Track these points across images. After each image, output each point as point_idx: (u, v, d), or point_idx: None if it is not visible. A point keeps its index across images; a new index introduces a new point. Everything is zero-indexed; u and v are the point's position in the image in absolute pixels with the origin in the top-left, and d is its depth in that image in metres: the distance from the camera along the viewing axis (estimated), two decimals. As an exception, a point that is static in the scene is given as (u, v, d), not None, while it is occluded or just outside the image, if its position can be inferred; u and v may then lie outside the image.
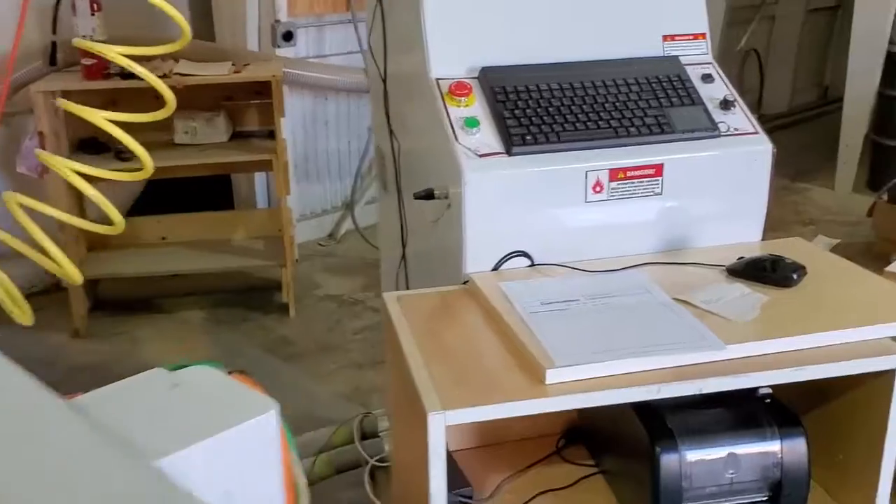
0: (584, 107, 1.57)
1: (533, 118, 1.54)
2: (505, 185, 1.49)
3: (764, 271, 1.44)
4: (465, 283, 1.51)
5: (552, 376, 1.18)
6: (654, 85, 1.61)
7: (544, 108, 1.56)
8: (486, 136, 1.52)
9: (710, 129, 1.57)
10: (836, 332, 1.28)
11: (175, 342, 3.27)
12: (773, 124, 5.81)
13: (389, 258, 2.05)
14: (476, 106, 1.57)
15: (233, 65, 3.38)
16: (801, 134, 5.76)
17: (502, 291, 1.42)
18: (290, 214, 3.64)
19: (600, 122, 1.55)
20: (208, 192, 3.86)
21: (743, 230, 1.62)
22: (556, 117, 1.55)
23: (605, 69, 1.62)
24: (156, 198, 3.87)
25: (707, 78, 1.66)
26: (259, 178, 3.89)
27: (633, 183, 1.53)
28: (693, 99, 1.60)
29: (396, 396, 1.41)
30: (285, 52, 3.76)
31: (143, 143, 3.45)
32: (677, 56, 1.68)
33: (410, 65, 1.71)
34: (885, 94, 4.38)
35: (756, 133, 1.60)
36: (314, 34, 3.93)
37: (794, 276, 1.42)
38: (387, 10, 1.80)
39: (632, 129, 1.55)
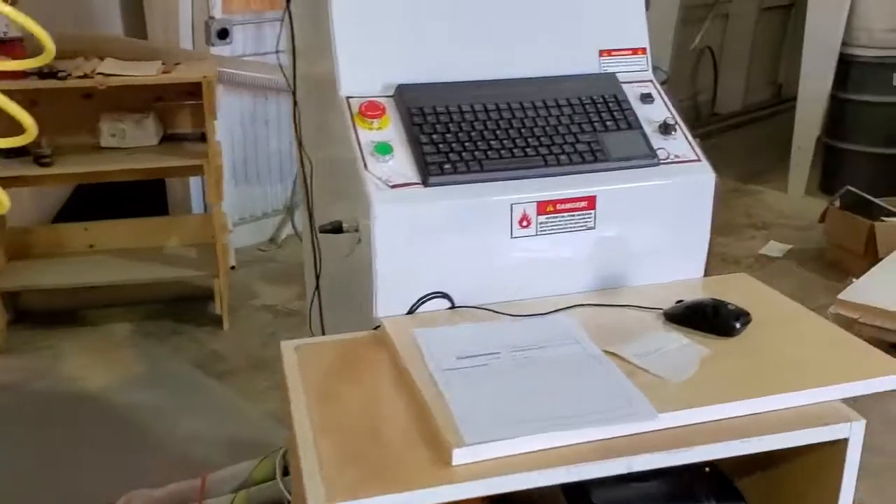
0: (511, 131, 1.40)
1: (453, 144, 1.37)
2: (420, 220, 1.32)
3: (704, 318, 1.29)
4: (376, 327, 1.34)
5: (460, 456, 1.01)
6: (587, 107, 1.44)
7: (466, 133, 1.38)
8: (401, 164, 1.35)
9: (648, 157, 1.41)
10: (783, 395, 1.12)
11: (99, 357, 3.06)
12: (727, 123, 5.72)
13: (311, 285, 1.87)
14: (390, 129, 1.39)
15: (163, 64, 3.17)
16: (755, 133, 5.66)
17: (415, 341, 1.25)
18: (226, 220, 3.45)
19: (528, 150, 1.38)
20: (141, 196, 3.65)
21: (684, 266, 1.46)
22: (479, 143, 1.37)
23: (534, 88, 1.45)
24: (84, 203, 3.65)
25: (646, 98, 1.50)
26: (195, 181, 3.68)
27: (563, 217, 1.37)
28: (630, 123, 1.44)
29: (294, 471, 1.23)
30: (221, 50, 3.55)
31: (66, 146, 3.25)
32: (615, 73, 1.51)
33: (320, 77, 1.53)
34: (837, 97, 4.26)
35: (698, 160, 1.44)
36: (252, 31, 3.72)
37: (737, 325, 1.27)
38: (296, 14, 1.62)
39: (562, 157, 1.38)
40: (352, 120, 1.39)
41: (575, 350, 1.22)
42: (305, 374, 1.22)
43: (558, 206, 1.36)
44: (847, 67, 4.20)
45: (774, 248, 3.88)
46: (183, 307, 3.41)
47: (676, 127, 1.46)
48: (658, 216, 1.42)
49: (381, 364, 1.24)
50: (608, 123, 1.43)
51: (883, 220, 3.45)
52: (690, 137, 1.46)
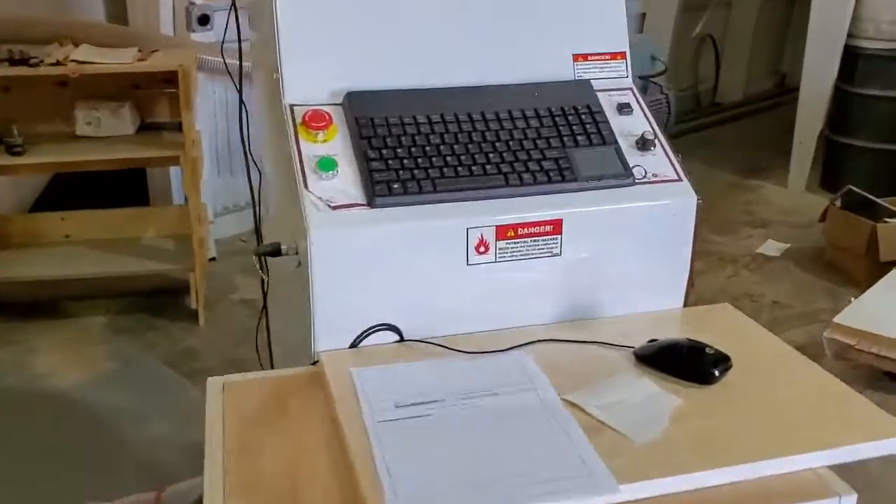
0: (470, 146, 1.24)
1: (405, 160, 1.21)
2: (364, 245, 1.16)
3: (679, 362, 1.13)
4: (314, 363, 1.19)
5: (382, 536, 0.86)
6: (557, 118, 1.28)
7: (420, 148, 1.22)
8: (345, 182, 1.19)
9: (622, 176, 1.25)
10: (763, 462, 0.97)
11: (72, 353, 2.92)
12: (728, 114, 5.53)
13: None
14: (337, 141, 1.23)
15: (140, 51, 3.00)
16: (757, 125, 5.47)
17: (353, 383, 1.10)
18: (205, 212, 3.30)
19: (488, 167, 1.22)
20: (122, 185, 3.50)
21: (662, 297, 1.31)
22: (434, 159, 1.21)
23: (498, 97, 1.29)
24: (63, 191, 3.50)
25: (624, 108, 1.33)
26: (175, 171, 3.52)
27: (525, 242, 1.21)
28: (604, 137, 1.28)
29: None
30: (203, 36, 3.38)
31: (41, 134, 3.10)
32: (589, 80, 1.35)
33: (265, 79, 1.37)
34: (841, 90, 4.08)
35: (678, 180, 1.28)
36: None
37: (716, 373, 1.11)
38: (242, 4, 1.46)
39: (526, 176, 1.22)
40: (294, 131, 1.23)
41: (530, 399, 1.07)
42: (228, 418, 1.08)
43: (520, 231, 1.21)
44: (852, 60, 4.01)
45: (772, 247, 3.71)
46: (160, 300, 3.26)
47: (656, 142, 1.29)
48: (632, 242, 1.26)
49: (314, 409, 1.10)
50: (579, 138, 1.27)
51: (886, 222, 3.29)
52: (672, 153, 1.30)
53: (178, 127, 3.07)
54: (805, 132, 4.22)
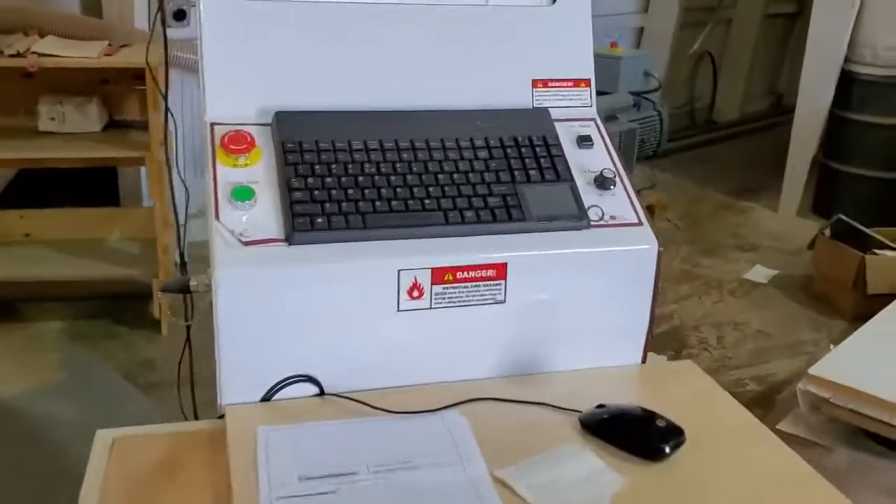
0: (409, 177, 1.10)
1: (333, 191, 1.07)
2: (281, 286, 1.03)
3: (627, 433, 1.00)
4: (221, 416, 1.05)
5: None
6: (508, 150, 1.15)
7: (352, 177, 1.09)
8: (263, 214, 1.05)
9: (576, 217, 1.11)
10: (708, 565, 0.83)
11: (24, 359, 2.78)
12: (723, 133, 5.39)
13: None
14: (260, 167, 1.10)
15: (109, 45, 2.86)
16: (752, 144, 5.34)
17: (256, 446, 0.96)
18: (171, 216, 3.15)
19: (426, 202, 1.08)
20: (91, 183, 3.36)
21: (618, 351, 1.17)
22: (367, 191, 1.08)
23: (445, 124, 1.15)
24: (28, 188, 3.35)
25: (584, 141, 1.20)
26: (146, 171, 3.38)
27: (465, 287, 1.07)
28: (558, 172, 1.14)
29: None
30: (178, 32, 3.24)
31: (1, 128, 2.96)
32: (547, 109, 1.21)
33: (195, 93, 1.24)
34: (836, 115, 3.94)
35: (639, 224, 1.14)
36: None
37: (666, 449, 0.98)
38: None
39: (468, 214, 1.08)
40: (212, 153, 1.09)
41: (454, 474, 0.93)
42: (108, 484, 0.94)
43: (459, 275, 1.07)
44: (848, 85, 3.87)
45: (760, 273, 3.58)
46: (122, 306, 3.12)
47: (616, 180, 1.16)
48: (586, 290, 1.12)
49: (211, 474, 0.96)
50: (531, 172, 1.13)
51: (875, 254, 3.15)
52: (633, 194, 1.16)
53: (148, 125, 2.93)
54: (798, 156, 4.08)
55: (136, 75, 2.91)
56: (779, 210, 4.20)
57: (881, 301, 2.91)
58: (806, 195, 4.17)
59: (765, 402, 2.59)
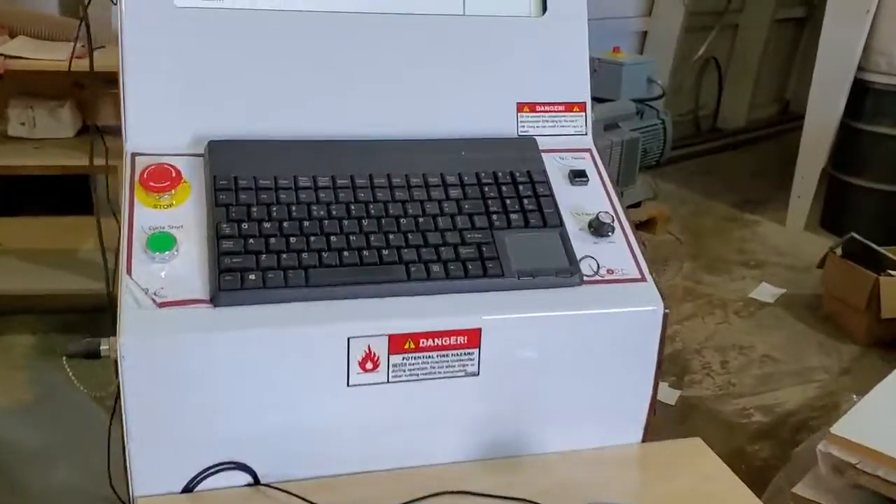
0: (365, 222, 0.90)
1: (271, 239, 0.87)
2: (203, 358, 0.83)
3: (623, 547, 0.80)
4: (132, 510, 0.86)
5: None
6: (486, 188, 0.95)
7: (296, 222, 0.89)
8: (186, 267, 0.86)
9: (566, 272, 0.91)
10: None
11: (-14, 379, 2.59)
12: (728, 141, 5.19)
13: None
14: (187, 207, 0.90)
15: (83, 47, 2.66)
16: (758, 154, 5.13)
17: (165, 558, 0.77)
18: (150, 227, 2.96)
19: (385, 252, 0.88)
20: (67, 190, 3.16)
21: (615, 429, 0.97)
22: (313, 239, 0.88)
23: (411, 157, 0.96)
24: (1, 193, 3.16)
25: (578, 177, 1.00)
26: (125, 177, 3.19)
27: (430, 357, 0.88)
28: (545, 216, 0.94)
29: None
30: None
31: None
32: (534, 138, 1.01)
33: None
34: (848, 126, 3.73)
35: (641, 279, 0.94)
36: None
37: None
38: (95, 18, 1.14)
39: (435, 268, 0.89)
40: (129, 190, 0.90)
41: None
42: None
43: (423, 342, 0.87)
44: (861, 94, 3.66)
45: (766, 292, 3.37)
46: (98, 320, 2.92)
47: (615, 225, 0.96)
48: (576, 359, 0.92)
49: None
50: (512, 216, 0.93)
51: (889, 275, 2.94)
52: (635, 241, 0.96)
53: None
54: (807, 168, 3.87)
55: (112, 79, 2.72)
56: (786, 224, 3.99)
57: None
58: (814, 209, 3.96)
59: (771, 435, 2.39)
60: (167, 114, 0.94)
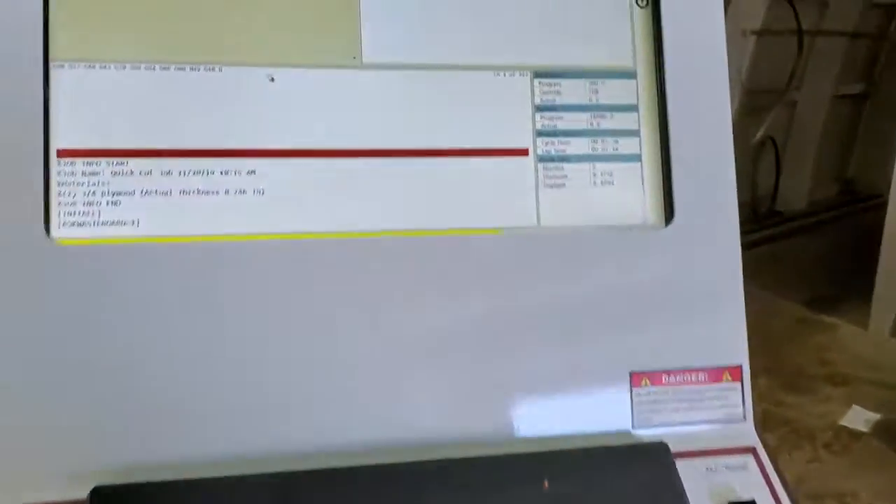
0: None
1: None
2: None
3: None
4: None
5: None
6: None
7: None
8: None
9: None
10: None
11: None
12: (789, 226, 4.75)
13: None
14: None
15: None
16: (821, 239, 4.68)
17: None
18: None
19: None
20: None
21: None
22: None
23: (439, 495, 0.53)
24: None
25: (743, 512, 0.56)
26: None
27: None
28: None
29: None
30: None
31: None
32: (664, 442, 0.58)
33: None
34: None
35: None
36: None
37: None
38: None
39: None
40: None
41: None
42: None
43: None
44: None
45: (859, 418, 2.87)
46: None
47: None
48: None
49: None
50: None
51: None
52: None
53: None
54: (891, 260, 3.42)
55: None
56: (869, 327, 3.52)
57: None
58: (901, 310, 3.49)
59: None
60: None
